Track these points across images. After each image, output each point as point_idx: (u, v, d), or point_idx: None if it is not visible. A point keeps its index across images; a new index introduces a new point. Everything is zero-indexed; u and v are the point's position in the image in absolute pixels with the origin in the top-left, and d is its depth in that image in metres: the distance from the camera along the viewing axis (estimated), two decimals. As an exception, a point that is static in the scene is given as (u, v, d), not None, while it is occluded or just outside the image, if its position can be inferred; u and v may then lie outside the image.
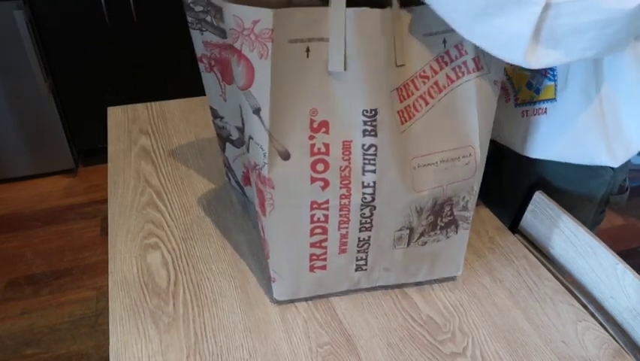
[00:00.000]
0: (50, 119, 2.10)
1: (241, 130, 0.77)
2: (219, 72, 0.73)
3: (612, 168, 0.82)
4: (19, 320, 1.60)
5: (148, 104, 1.20)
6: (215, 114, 0.81)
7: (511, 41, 0.53)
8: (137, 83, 2.17)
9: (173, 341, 0.66)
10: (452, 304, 0.72)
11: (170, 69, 2.21)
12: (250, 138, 0.59)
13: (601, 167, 0.81)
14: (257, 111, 0.57)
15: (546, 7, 0.50)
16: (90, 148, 2.27)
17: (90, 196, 2.14)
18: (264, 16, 0.52)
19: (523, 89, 0.80)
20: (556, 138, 0.77)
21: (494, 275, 0.77)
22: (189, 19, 0.71)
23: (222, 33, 0.68)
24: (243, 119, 0.61)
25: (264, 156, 0.58)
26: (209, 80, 0.78)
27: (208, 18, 0.68)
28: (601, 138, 0.73)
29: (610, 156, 0.74)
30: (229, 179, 0.91)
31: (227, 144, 0.83)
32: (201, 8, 0.67)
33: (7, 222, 1.99)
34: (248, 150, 0.61)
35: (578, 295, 0.76)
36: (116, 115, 1.16)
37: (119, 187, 0.92)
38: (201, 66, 0.77)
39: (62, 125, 2.13)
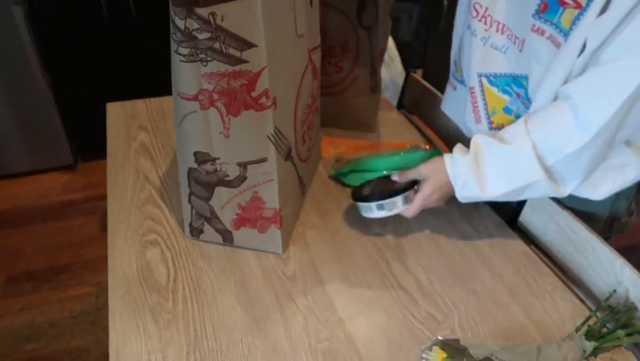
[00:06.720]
0: (49, 114, 2.09)
1: (244, 165, 0.71)
2: (224, 105, 0.66)
3: (615, 193, 0.78)
4: (19, 315, 1.60)
5: (147, 100, 1.20)
6: (204, 159, 0.72)
7: None
8: (136, 79, 2.16)
9: (172, 337, 0.66)
10: (452, 300, 0.72)
11: (169, 65, 2.20)
12: None
13: None
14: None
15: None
16: (89, 144, 2.26)
17: (89, 192, 2.14)
18: None
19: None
20: None
21: (493, 271, 0.77)
22: (186, 51, 0.63)
23: (232, 60, 0.63)
24: None
25: None
26: (201, 120, 0.68)
27: (216, 45, 0.62)
28: None
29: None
30: (201, 232, 0.80)
31: (218, 189, 0.74)
32: (208, 35, 0.61)
33: (7, 219, 1.99)
34: None
35: (577, 291, 0.76)
36: (115, 111, 1.15)
37: (118, 184, 0.92)
38: (193, 105, 0.67)
39: (61, 120, 2.13)
